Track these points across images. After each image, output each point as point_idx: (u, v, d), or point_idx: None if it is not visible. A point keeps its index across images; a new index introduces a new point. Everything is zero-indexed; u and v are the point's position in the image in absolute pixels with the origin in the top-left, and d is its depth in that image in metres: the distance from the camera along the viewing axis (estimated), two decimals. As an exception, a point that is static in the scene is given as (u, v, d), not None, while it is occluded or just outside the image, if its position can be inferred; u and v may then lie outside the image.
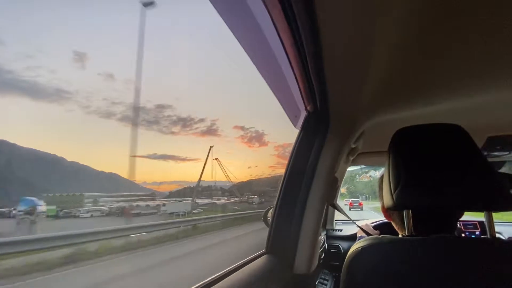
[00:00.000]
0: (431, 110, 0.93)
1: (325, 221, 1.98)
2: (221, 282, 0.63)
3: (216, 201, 42.01)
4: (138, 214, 26.16)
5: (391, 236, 0.62)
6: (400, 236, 0.69)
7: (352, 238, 1.77)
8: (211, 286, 0.60)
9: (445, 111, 0.94)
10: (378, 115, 0.95)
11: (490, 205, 0.56)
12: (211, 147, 58.62)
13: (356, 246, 0.64)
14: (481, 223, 1.83)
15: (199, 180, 50.01)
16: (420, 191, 0.57)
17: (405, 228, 0.62)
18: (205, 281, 0.64)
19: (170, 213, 23.69)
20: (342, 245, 1.75)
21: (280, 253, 0.88)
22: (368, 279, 0.57)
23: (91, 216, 24.52)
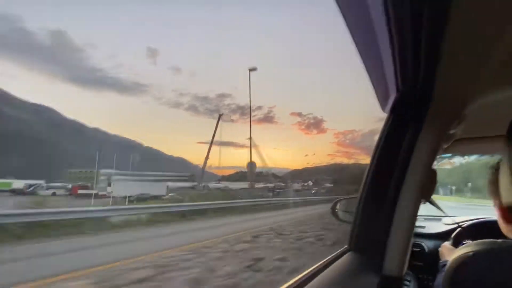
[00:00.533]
0: None
1: None
2: (307, 286, 0.61)
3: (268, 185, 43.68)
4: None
5: None
6: None
7: (438, 236, 1.59)
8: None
9: None
10: (492, 93, 0.78)
11: None
12: (220, 115, 53.52)
13: (464, 250, 0.53)
14: None
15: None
16: None
17: None
18: (289, 283, 0.62)
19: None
20: (426, 243, 1.57)
21: (367, 251, 0.82)
22: None
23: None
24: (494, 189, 0.60)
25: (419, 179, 0.79)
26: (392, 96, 0.78)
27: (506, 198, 0.53)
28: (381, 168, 0.84)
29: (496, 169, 0.60)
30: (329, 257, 0.80)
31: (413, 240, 1.34)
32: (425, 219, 1.92)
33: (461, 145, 1.35)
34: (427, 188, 0.84)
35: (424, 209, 1.04)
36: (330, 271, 0.70)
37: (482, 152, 1.62)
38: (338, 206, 1.14)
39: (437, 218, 1.73)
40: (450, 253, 1.08)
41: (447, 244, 1.23)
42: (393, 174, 0.81)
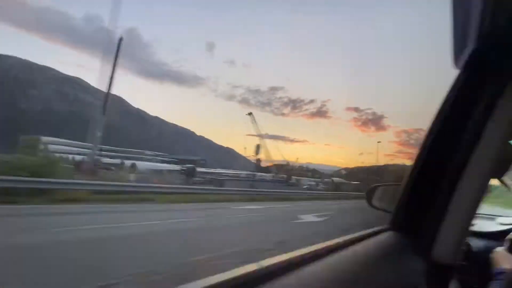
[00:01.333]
0: None
1: None
2: (333, 256, 0.56)
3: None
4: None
5: None
6: None
7: (489, 236, 1.44)
8: (321, 257, 0.55)
9: None
10: None
11: None
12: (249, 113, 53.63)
13: None
14: None
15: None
16: None
17: None
18: (315, 247, 0.59)
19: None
20: (475, 242, 1.42)
21: (412, 232, 0.71)
22: None
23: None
24: None
25: (493, 152, 0.65)
26: (470, 47, 0.60)
27: None
28: (443, 136, 0.70)
29: None
30: (359, 233, 0.73)
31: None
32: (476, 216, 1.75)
33: None
34: (501, 164, 0.71)
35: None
36: (365, 246, 0.64)
37: None
38: (374, 194, 1.12)
39: (490, 217, 1.56)
40: (506, 261, 1.00)
41: (501, 249, 1.11)
42: (459, 143, 0.68)
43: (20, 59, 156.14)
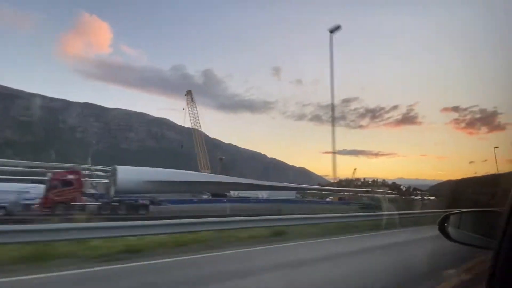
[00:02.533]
0: None
1: None
2: None
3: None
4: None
5: None
6: None
7: None
8: None
9: None
10: None
11: None
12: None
13: None
14: None
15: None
16: None
17: None
18: None
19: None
20: None
21: None
22: None
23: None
24: None
25: None
26: None
27: None
28: None
29: None
30: None
31: None
32: None
33: None
34: None
35: None
36: None
37: None
38: (454, 222, 0.87)
39: None
40: None
41: None
42: None
43: (122, 109, 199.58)
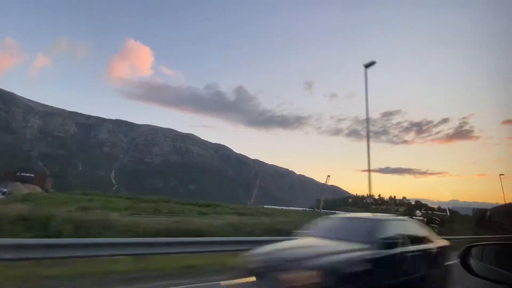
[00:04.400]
0: None
1: None
2: None
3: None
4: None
5: None
6: None
7: None
8: None
9: None
10: None
11: None
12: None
13: None
14: None
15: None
16: None
17: None
18: None
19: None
20: None
21: None
22: None
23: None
24: None
25: None
26: None
27: None
28: None
29: None
30: None
31: None
32: None
33: None
34: None
35: None
36: None
37: None
38: (471, 254, 0.82)
39: None
40: None
41: None
42: None
43: (150, 125, 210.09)
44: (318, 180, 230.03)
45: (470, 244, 0.85)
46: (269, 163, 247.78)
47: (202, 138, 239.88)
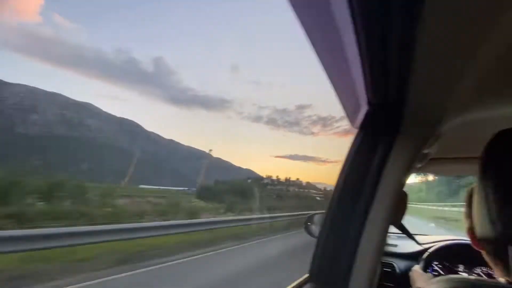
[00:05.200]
0: None
1: None
2: None
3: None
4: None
5: (490, 280, 0.54)
6: (502, 280, 0.55)
7: (410, 257, 1.59)
8: None
9: None
10: (470, 112, 0.79)
11: None
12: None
13: (433, 287, 0.53)
14: None
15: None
16: None
17: (510, 271, 0.48)
18: None
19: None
20: (397, 263, 1.55)
21: (328, 282, 0.76)
22: None
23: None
24: (468, 213, 0.61)
25: (388, 201, 0.76)
26: (363, 111, 0.75)
27: (479, 228, 0.53)
28: (348, 189, 0.79)
29: (470, 194, 0.60)
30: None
31: (384, 259, 1.54)
32: (399, 237, 1.83)
33: (436, 165, 1.35)
34: (397, 211, 0.81)
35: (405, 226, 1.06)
36: None
37: (457, 173, 1.57)
38: (313, 221, 1.05)
39: (413, 239, 1.52)
40: (420, 280, 1.10)
41: (417, 268, 1.24)
42: (361, 195, 0.76)
43: (28, 86, 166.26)
44: (234, 164, 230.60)
45: (313, 213, 1.11)
46: (186, 144, 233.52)
47: (105, 110, 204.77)
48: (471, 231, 0.58)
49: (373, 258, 0.75)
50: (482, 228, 0.51)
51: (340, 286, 0.75)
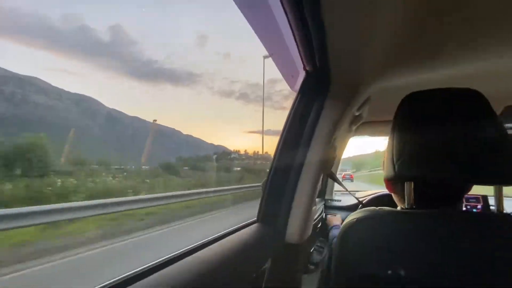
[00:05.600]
0: (444, 75, 0.90)
1: (324, 191, 2.13)
2: (209, 247, 0.65)
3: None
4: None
5: (389, 208, 0.64)
6: (399, 208, 0.69)
7: (350, 208, 1.94)
8: (200, 249, 0.63)
9: (459, 77, 0.91)
10: (385, 79, 0.92)
11: (503, 179, 0.54)
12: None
13: (351, 217, 0.67)
14: (484, 197, 1.77)
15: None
16: (425, 162, 0.56)
17: (405, 201, 0.62)
18: (193, 245, 0.67)
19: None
20: (341, 214, 1.81)
21: (272, 222, 0.90)
22: (361, 250, 0.60)
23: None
24: (383, 165, 0.72)
25: (319, 154, 0.88)
26: (301, 76, 0.89)
27: (386, 172, 0.64)
28: (288, 144, 0.90)
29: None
30: (234, 227, 0.85)
31: (329, 211, 1.95)
32: (342, 194, 2.24)
33: (368, 128, 1.62)
34: (327, 163, 0.94)
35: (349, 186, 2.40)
36: (234, 238, 0.74)
37: (387, 135, 1.53)
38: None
39: (351, 193, 1.71)
40: (334, 219, 1.59)
41: (330, 215, 1.73)
42: (298, 149, 0.89)
43: None
44: (206, 141, 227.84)
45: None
46: (151, 121, 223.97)
47: (54, 85, 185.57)
48: (386, 179, 0.71)
49: (308, 199, 0.89)
50: (388, 172, 0.63)
51: (281, 224, 0.89)
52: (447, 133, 0.55)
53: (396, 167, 0.59)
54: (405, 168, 0.57)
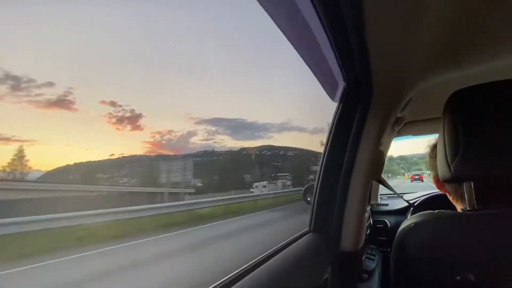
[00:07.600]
0: (490, 68, 0.87)
1: (369, 196, 1.91)
2: (266, 264, 0.64)
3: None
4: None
5: (449, 211, 0.62)
6: (459, 210, 0.67)
7: (399, 212, 1.86)
8: (257, 267, 0.61)
9: (506, 68, 0.87)
10: (428, 79, 0.91)
11: None
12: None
13: (408, 222, 0.65)
14: None
15: None
16: (484, 161, 0.54)
17: (465, 202, 0.60)
18: (249, 263, 0.65)
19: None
20: (389, 220, 1.79)
21: (325, 231, 0.90)
22: (422, 256, 0.58)
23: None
24: (432, 164, 0.72)
25: (367, 161, 0.89)
26: (341, 87, 0.91)
27: (441, 173, 0.62)
28: (335, 154, 0.92)
29: (434, 146, 0.72)
30: (289, 238, 0.85)
31: (377, 217, 1.88)
32: (388, 197, 2.10)
33: (411, 127, 1.60)
34: (376, 168, 0.96)
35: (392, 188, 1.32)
36: (290, 250, 0.74)
37: (431, 133, 1.73)
38: (308, 192, 1.20)
39: (399, 196, 1.71)
40: None
41: None
42: (344, 158, 0.90)
43: None
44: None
45: (309, 185, 1.17)
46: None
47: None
48: (435, 178, 0.70)
49: (360, 206, 0.90)
50: (443, 173, 0.60)
51: (335, 233, 0.89)
52: (503, 129, 0.53)
53: (452, 167, 0.56)
54: (463, 167, 0.55)
